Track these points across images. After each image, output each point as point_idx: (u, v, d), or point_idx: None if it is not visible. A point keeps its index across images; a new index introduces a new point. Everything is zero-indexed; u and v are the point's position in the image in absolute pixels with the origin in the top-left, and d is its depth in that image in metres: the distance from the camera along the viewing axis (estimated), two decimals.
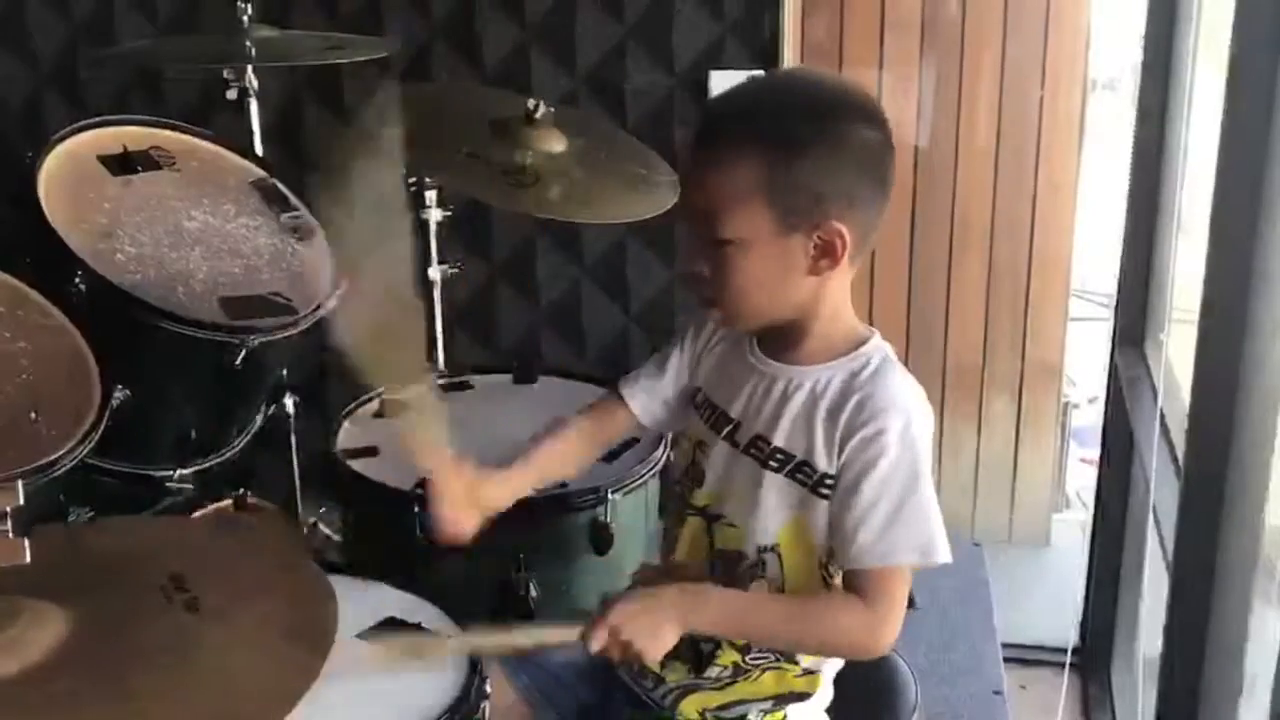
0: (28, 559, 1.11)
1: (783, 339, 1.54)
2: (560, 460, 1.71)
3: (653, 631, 1.43)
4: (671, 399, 1.69)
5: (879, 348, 1.51)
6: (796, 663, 1.56)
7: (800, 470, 1.49)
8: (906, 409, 1.45)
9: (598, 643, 1.42)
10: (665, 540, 1.68)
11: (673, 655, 1.53)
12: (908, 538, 1.42)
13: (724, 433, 1.57)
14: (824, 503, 1.48)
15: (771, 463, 1.51)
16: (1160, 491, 2.09)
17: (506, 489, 1.62)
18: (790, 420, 1.50)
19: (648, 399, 1.69)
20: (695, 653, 1.58)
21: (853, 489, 1.44)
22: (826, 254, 1.43)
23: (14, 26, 3.21)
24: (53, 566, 1.20)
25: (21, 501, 1.09)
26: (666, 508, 1.71)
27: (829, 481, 1.47)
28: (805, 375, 1.51)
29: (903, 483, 1.43)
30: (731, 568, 1.55)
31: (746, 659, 1.56)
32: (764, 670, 1.57)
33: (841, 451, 1.45)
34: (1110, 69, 4.58)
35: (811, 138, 1.41)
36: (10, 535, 1.08)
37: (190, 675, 1.18)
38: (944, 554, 1.43)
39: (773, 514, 1.51)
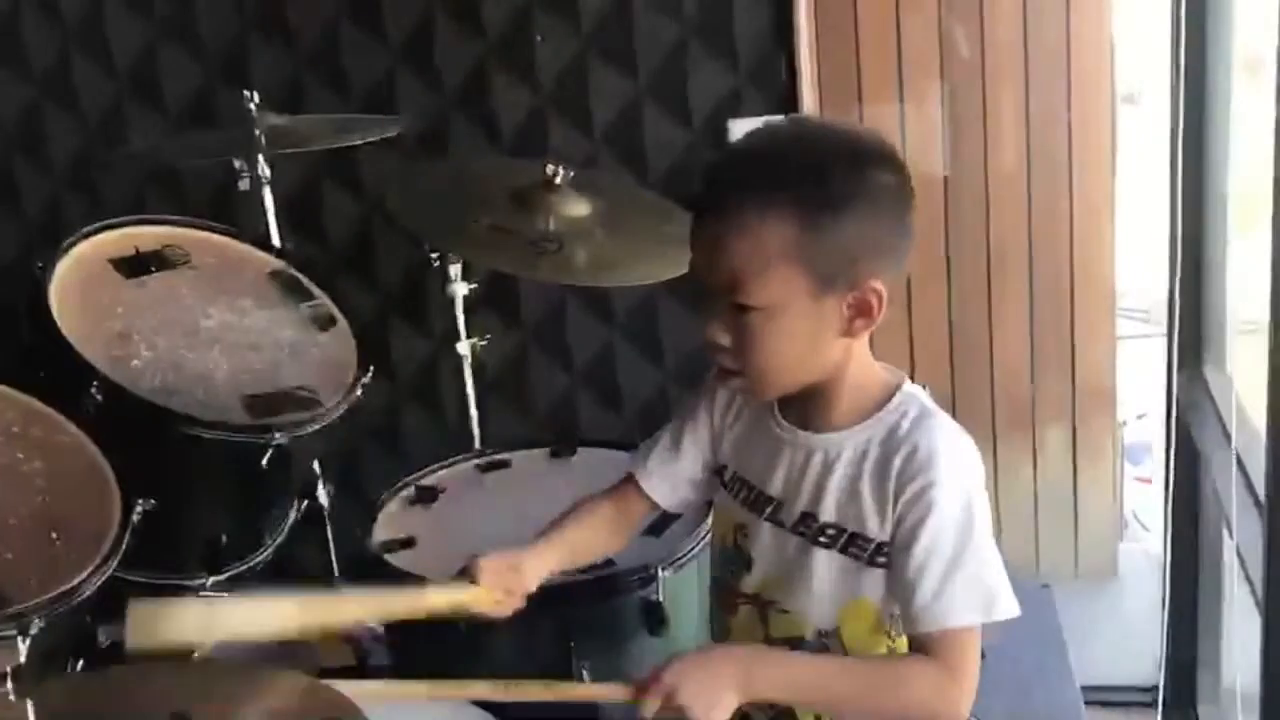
0: None
1: (808, 405, 1.45)
2: (589, 547, 1.64)
3: (710, 695, 1.32)
4: (698, 477, 1.60)
5: (911, 395, 1.43)
6: None
7: (853, 543, 1.41)
8: (954, 456, 1.38)
9: (651, 707, 1.33)
10: (715, 629, 1.59)
11: None
12: (967, 596, 1.34)
13: (765, 513, 1.48)
14: (881, 572, 1.39)
15: (822, 539, 1.43)
16: (1240, 521, 1.99)
17: (542, 566, 1.54)
18: (836, 492, 1.42)
19: (668, 485, 1.60)
20: None
21: (906, 548, 1.36)
22: (862, 313, 1.36)
23: (31, 132, 3.20)
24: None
25: (23, 659, 0.99)
26: (713, 594, 1.61)
27: (885, 549, 1.38)
28: (844, 441, 1.42)
29: (956, 536, 1.34)
30: None
31: None
32: None
33: (895, 510, 1.37)
34: (1131, 83, 4.48)
35: (845, 193, 1.33)
36: (12, 698, 0.96)
37: None
38: (1009, 608, 1.34)
39: (829, 596, 1.43)
